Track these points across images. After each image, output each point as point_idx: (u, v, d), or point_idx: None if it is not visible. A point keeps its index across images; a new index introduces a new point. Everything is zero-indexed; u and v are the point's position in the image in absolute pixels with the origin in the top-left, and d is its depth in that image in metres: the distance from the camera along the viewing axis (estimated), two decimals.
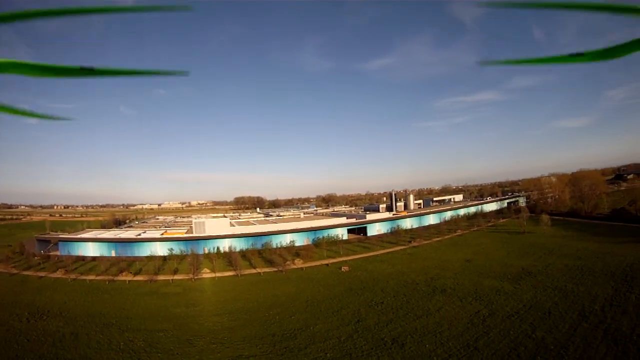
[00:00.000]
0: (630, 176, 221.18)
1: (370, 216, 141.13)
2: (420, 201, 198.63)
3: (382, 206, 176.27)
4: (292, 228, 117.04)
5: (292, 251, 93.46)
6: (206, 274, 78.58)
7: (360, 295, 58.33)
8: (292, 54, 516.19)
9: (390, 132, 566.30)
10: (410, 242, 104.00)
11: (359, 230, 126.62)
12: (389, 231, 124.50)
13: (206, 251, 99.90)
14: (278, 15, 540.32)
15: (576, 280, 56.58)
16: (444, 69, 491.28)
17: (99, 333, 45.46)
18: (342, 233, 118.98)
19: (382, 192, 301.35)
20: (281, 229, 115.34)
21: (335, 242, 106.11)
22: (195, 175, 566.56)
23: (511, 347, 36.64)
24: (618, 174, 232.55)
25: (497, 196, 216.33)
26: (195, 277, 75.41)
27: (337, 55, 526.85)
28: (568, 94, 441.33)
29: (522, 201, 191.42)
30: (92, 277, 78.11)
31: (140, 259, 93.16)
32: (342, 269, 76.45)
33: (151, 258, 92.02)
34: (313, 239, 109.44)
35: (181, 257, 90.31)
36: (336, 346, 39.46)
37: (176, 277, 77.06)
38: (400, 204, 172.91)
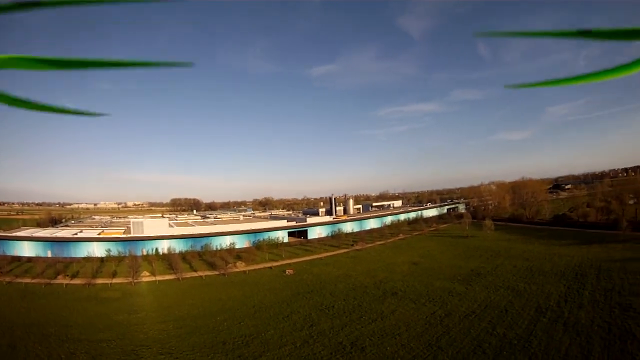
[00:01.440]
0: (569, 186, 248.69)
1: (311, 219, 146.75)
2: (360, 206, 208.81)
3: (322, 210, 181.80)
4: (232, 230, 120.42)
5: (233, 254, 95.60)
6: (146, 277, 79.14)
7: (309, 299, 59.19)
8: (237, 55, 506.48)
9: (330, 138, 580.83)
10: (352, 245, 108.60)
11: (299, 234, 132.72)
12: (330, 235, 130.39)
13: (144, 253, 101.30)
14: (224, 15, 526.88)
15: (527, 280, 60.97)
16: (387, 79, 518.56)
17: (37, 344, 43.01)
18: (282, 236, 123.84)
19: (319, 197, 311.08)
20: (221, 231, 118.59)
21: (276, 244, 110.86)
22: (131, 176, 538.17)
23: (475, 344, 37.80)
24: (556, 184, 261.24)
25: (435, 203, 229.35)
26: (135, 281, 75.62)
27: (282, 59, 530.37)
28: (509, 108, 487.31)
29: (461, 208, 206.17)
30: (27, 279, 77.49)
31: (77, 260, 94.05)
32: (287, 272, 78.74)
33: (88, 259, 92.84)
34: (253, 242, 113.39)
35: (119, 259, 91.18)
36: (293, 352, 38.83)
37: (115, 280, 77.09)
38: (340, 209, 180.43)
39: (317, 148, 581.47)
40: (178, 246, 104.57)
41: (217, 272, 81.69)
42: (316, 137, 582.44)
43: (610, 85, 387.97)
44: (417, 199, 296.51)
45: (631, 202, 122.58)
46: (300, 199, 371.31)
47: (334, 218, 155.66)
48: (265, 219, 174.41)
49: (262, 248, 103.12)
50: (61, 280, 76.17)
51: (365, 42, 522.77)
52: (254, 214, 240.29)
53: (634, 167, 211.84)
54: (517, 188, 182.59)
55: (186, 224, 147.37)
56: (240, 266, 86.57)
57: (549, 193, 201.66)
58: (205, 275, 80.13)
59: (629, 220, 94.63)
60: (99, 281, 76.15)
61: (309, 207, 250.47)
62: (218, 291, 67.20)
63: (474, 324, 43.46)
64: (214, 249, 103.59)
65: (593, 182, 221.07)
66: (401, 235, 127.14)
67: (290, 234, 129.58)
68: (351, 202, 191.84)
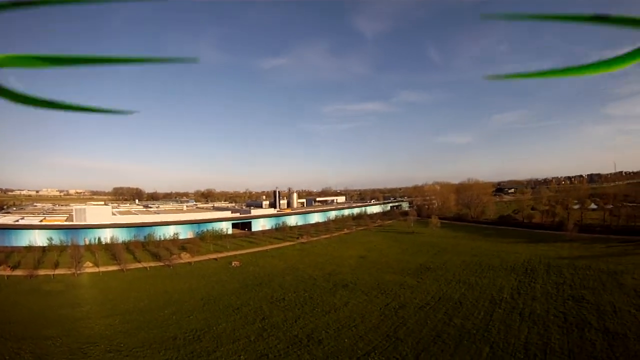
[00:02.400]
0: (512, 190, 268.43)
1: (255, 211, 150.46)
2: (303, 200, 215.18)
3: (265, 203, 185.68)
4: (176, 220, 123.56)
5: (178, 244, 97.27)
6: (89, 268, 78.73)
7: (258, 291, 59.23)
8: (187, 44, 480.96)
9: (275, 131, 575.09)
10: (298, 238, 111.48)
11: (243, 226, 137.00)
12: (274, 227, 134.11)
13: (87, 242, 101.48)
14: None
15: (477, 274, 64.34)
16: (335, 76, 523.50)
17: None
18: (226, 227, 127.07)
19: (261, 191, 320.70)
20: (165, 220, 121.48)
21: (220, 236, 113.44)
22: (73, 163, 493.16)
23: (433, 334, 38.92)
24: (499, 188, 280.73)
25: (378, 200, 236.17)
26: (78, 272, 75.02)
27: (231, 50, 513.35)
28: (455, 112, 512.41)
29: (405, 206, 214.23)
30: None
31: (18, 249, 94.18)
32: (233, 264, 79.87)
33: (30, 249, 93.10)
34: (197, 232, 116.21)
35: (61, 249, 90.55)
36: (248, 347, 37.98)
37: (57, 271, 76.37)
38: (284, 202, 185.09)
39: (261, 141, 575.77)
40: (121, 235, 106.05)
41: (161, 263, 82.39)
42: (260, 129, 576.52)
43: (556, 98, 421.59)
44: (360, 197, 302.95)
45: (576, 207, 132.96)
46: (242, 192, 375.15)
47: (277, 211, 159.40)
48: (209, 210, 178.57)
49: (206, 239, 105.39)
50: (2, 271, 75.12)
51: (318, 37, 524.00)
52: (196, 205, 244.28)
53: (577, 175, 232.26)
54: (462, 189, 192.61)
55: (129, 212, 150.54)
56: (185, 257, 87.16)
57: (492, 196, 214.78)
58: (149, 267, 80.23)
59: (574, 222, 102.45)
60: (42, 272, 75.18)
61: (252, 201, 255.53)
62: (164, 283, 66.71)
63: (430, 315, 44.88)
64: (158, 239, 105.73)
65: (536, 187, 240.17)
66: (346, 229, 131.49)
67: (234, 226, 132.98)
68: (295, 195, 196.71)
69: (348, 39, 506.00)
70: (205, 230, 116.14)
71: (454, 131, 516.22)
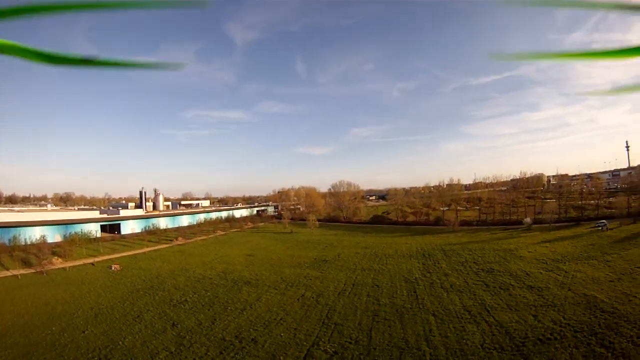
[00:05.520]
0: (373, 197, 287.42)
1: (124, 212, 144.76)
2: (169, 203, 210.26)
3: (131, 205, 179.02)
4: (43, 219, 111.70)
5: (47, 248, 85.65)
6: None
7: (152, 295, 51.20)
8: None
9: (133, 136, 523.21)
10: (172, 240, 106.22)
11: (111, 228, 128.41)
12: (144, 230, 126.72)
13: None
14: None
15: (378, 262, 65.79)
16: (200, 81, 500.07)
17: None
18: (95, 229, 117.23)
19: (119, 197, 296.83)
20: (30, 220, 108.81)
21: (90, 239, 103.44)
22: None
23: (370, 314, 38.01)
24: (380, 196, 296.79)
25: (239, 205, 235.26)
26: None
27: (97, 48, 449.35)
28: (314, 124, 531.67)
29: (270, 210, 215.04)
30: None
31: None
32: (113, 268, 72.85)
33: None
34: (65, 235, 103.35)
35: None
36: None
37: None
38: (150, 205, 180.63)
39: (119, 145, 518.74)
40: None
41: (33, 270, 73.12)
42: (118, 133, 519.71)
43: (419, 117, 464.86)
44: (222, 202, 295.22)
45: (444, 208, 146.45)
46: (101, 197, 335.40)
47: (146, 212, 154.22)
48: (75, 210, 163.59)
49: (77, 242, 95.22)
50: None
51: (188, 39, 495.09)
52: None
53: (436, 185, 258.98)
54: (334, 193, 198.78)
55: None
56: (58, 263, 78.81)
57: (363, 199, 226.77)
58: (20, 274, 70.00)
59: (453, 219, 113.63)
60: None
61: (117, 203, 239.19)
62: (42, 293, 55.94)
63: (355, 299, 43.71)
64: (23, 242, 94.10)
65: (395, 197, 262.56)
66: (219, 231, 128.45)
67: (102, 229, 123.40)
68: (161, 197, 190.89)
69: (217, 45, 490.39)
70: (74, 232, 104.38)
71: (315, 142, 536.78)
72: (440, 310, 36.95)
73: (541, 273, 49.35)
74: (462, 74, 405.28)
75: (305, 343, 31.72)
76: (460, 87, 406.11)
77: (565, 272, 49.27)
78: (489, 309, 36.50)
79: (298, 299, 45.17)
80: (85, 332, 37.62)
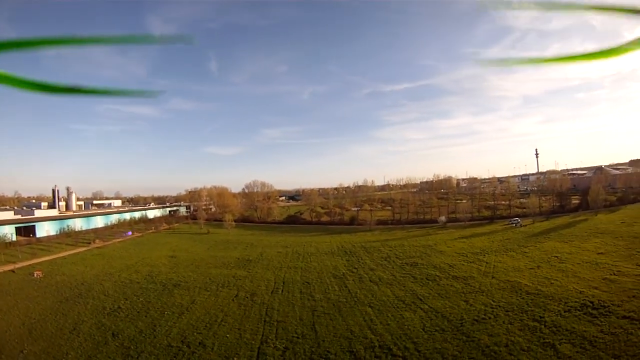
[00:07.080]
0: (282, 198, 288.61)
1: (39, 213, 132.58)
2: (82, 203, 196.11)
3: (44, 204, 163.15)
4: None
5: None
6: None
7: (83, 304, 47.69)
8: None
9: (39, 131, 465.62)
10: (90, 243, 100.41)
11: (26, 230, 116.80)
12: (60, 231, 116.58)
13: None
14: None
15: (302, 260, 68.33)
16: (113, 74, 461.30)
17: None
18: (10, 232, 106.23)
19: (31, 196, 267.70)
20: None
21: (6, 243, 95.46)
22: None
23: (309, 310, 40.03)
24: (290, 196, 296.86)
25: (151, 205, 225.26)
26: None
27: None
28: (222, 123, 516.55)
29: (182, 210, 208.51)
30: None
31: None
32: (35, 275, 67.36)
33: None
34: None
35: None
36: None
37: None
38: (62, 204, 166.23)
39: (28, 137, 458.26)
40: None
41: None
42: (22, 128, 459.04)
43: (330, 120, 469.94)
44: (133, 202, 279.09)
45: (356, 208, 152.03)
46: (10, 196, 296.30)
47: (60, 213, 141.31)
48: None
49: None
50: None
51: (106, 31, 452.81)
52: None
53: (346, 187, 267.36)
54: (249, 194, 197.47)
55: None
56: None
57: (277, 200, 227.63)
58: None
59: (363, 219, 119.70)
60: None
61: (29, 202, 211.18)
62: None
63: (289, 297, 45.61)
64: None
65: (310, 197, 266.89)
66: (136, 233, 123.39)
67: (17, 231, 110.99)
68: (74, 196, 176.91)
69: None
70: None
71: (226, 142, 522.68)
72: (375, 302, 40.18)
73: (464, 264, 54.98)
74: (376, 80, 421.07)
75: (253, 342, 32.59)
76: (372, 93, 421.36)
77: (487, 262, 54.89)
78: (422, 298, 40.47)
79: (233, 299, 45.67)
80: (24, 352, 34.19)
